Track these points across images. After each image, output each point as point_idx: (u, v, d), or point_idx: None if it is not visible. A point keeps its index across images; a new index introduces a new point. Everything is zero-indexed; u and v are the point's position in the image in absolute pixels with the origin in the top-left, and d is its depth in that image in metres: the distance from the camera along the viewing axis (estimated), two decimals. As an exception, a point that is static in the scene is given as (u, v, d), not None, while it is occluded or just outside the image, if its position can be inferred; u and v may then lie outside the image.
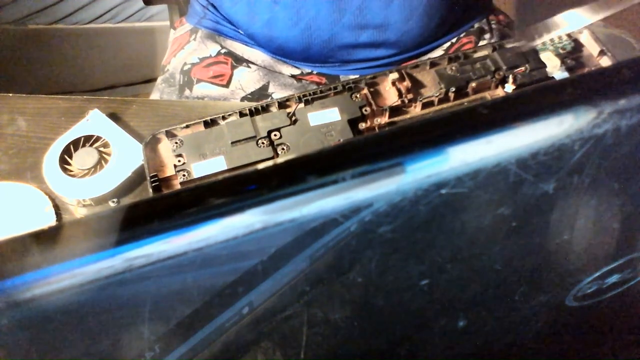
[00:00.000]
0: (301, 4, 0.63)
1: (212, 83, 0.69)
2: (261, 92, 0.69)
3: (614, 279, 0.31)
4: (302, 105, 0.53)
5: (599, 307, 0.33)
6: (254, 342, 0.26)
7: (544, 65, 0.54)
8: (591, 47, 0.57)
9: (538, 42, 0.34)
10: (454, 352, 0.33)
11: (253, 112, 0.52)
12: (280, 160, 0.21)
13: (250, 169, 0.20)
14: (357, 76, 0.66)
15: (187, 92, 0.70)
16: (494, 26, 0.73)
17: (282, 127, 0.52)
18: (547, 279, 0.30)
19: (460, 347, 0.33)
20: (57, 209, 0.52)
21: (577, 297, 0.32)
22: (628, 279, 0.32)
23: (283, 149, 0.51)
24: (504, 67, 0.54)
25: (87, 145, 0.54)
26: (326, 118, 0.52)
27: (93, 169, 0.53)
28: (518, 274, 0.29)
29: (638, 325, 0.38)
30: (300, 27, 0.65)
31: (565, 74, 0.54)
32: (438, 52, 0.71)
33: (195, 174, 0.50)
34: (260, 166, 0.21)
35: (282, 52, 0.70)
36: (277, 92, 0.69)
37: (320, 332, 0.27)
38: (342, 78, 0.71)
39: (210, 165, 0.50)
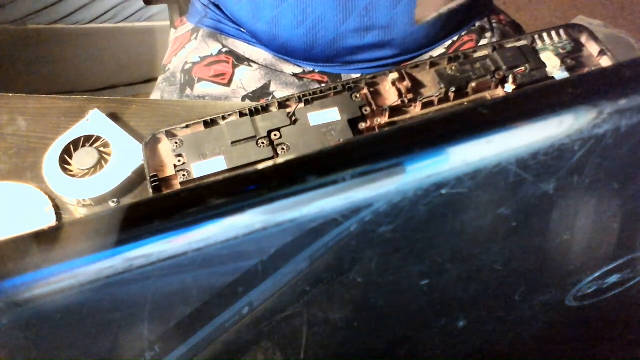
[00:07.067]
0: (308, 3, 0.63)
1: (214, 82, 0.69)
2: (262, 91, 0.69)
3: (614, 279, 0.31)
4: (302, 105, 0.53)
5: (599, 307, 0.33)
6: (254, 342, 0.26)
7: (544, 65, 0.54)
8: (591, 47, 0.57)
9: None
10: (454, 352, 0.33)
11: (253, 112, 0.52)
12: (280, 160, 0.21)
13: (250, 169, 0.20)
14: (358, 75, 0.66)
15: (188, 91, 0.70)
16: (494, 25, 0.73)
17: (282, 127, 0.52)
18: (547, 279, 0.30)
19: (460, 347, 0.33)
20: (57, 209, 0.52)
21: (577, 297, 0.32)
22: (628, 279, 0.32)
23: (283, 149, 0.51)
24: (504, 67, 0.54)
25: (87, 145, 0.54)
26: (326, 118, 0.52)
27: (93, 169, 0.53)
28: (518, 274, 0.29)
29: (638, 325, 0.38)
30: (306, 27, 0.65)
31: (565, 74, 0.54)
32: (439, 51, 0.71)
33: (195, 174, 0.50)
34: (260, 166, 0.21)
35: (284, 51, 0.70)
36: (279, 91, 0.69)
37: (320, 332, 0.27)
38: (344, 77, 0.71)
39: (210, 165, 0.50)
